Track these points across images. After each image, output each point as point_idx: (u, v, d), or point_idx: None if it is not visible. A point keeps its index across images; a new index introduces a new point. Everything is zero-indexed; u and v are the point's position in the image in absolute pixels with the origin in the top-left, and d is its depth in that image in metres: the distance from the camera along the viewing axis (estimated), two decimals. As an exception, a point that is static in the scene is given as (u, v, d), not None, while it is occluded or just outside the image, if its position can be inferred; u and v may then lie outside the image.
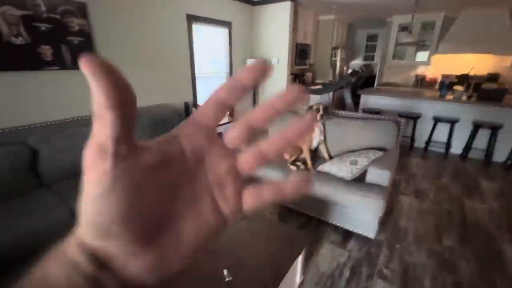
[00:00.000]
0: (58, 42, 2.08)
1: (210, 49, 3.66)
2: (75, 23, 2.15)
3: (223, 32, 3.75)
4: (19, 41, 1.88)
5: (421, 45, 5.61)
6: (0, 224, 1.43)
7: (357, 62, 8.24)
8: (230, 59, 3.96)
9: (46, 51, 2.03)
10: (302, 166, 2.34)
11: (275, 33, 4.21)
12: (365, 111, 4.29)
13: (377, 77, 6.64)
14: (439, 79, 5.57)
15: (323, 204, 2.09)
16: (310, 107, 2.41)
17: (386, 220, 2.25)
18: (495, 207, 2.50)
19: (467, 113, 3.74)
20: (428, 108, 4.03)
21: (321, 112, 2.31)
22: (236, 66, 4.10)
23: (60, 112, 2.19)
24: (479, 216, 2.35)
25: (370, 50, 8.03)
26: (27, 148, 1.82)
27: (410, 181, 3.01)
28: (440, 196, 2.69)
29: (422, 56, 5.66)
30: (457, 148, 3.87)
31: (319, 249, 1.91)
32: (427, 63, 5.65)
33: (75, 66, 2.19)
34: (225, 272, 1.15)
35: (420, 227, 2.18)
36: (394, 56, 5.96)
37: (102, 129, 0.14)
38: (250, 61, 4.10)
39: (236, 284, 1.10)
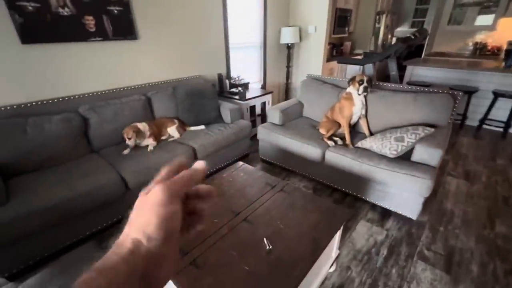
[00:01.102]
0: (99, 12, 2.11)
1: (245, 18, 3.49)
2: (114, -8, 2.15)
3: (258, -2, 3.52)
4: (65, 12, 1.94)
5: (486, 6, 4.79)
6: (61, 184, 1.59)
7: (404, 29, 7.38)
8: (265, 28, 3.75)
9: (90, 21, 2.07)
10: (340, 142, 2.23)
11: (313, -2, 3.85)
12: (411, 84, 3.88)
13: (426, 46, 5.92)
14: (505, 47, 4.79)
15: (361, 181, 2.01)
16: (353, 79, 2.23)
17: (429, 202, 2.11)
18: None
19: (538, 87, 3.21)
20: (488, 82, 3.53)
21: (364, 84, 2.13)
22: (270, 36, 3.89)
23: (104, 83, 2.29)
24: (542, 203, 2.10)
25: (420, 15, 7.09)
26: (79, 116, 1.96)
27: (459, 162, 2.75)
28: (495, 179, 2.43)
29: (485, 20, 4.86)
30: (519, 127, 3.40)
31: (355, 226, 1.87)
32: (491, 28, 4.85)
33: (115, 36, 2.24)
34: (265, 241, 1.17)
35: (469, 211, 2.01)
36: (450, 21, 5.19)
37: (179, 187, 0.27)
38: (284, 31, 3.86)
39: (276, 253, 1.12)
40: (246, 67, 3.78)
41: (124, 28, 2.27)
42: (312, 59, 4.19)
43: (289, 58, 4.18)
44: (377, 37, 5.52)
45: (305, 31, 4.10)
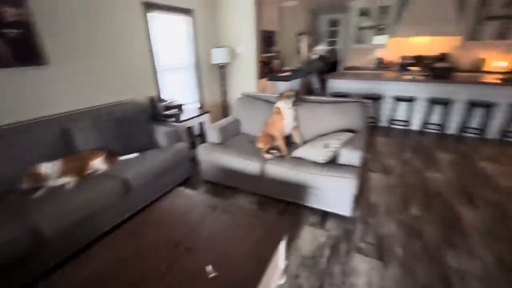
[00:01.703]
0: (-10, 35, 1.80)
1: (173, 39, 3.46)
2: (10, 13, 1.87)
3: (186, 20, 3.55)
4: None
5: (379, 29, 5.88)
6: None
7: (321, 48, 8.42)
8: (196, 50, 3.78)
9: (-24, 46, 1.74)
10: (277, 153, 2.35)
11: (240, 20, 4.10)
12: (333, 95, 4.43)
13: (341, 61, 6.87)
14: (397, 61, 5.91)
15: (300, 189, 2.14)
16: (282, 94, 2.40)
17: (359, 198, 2.38)
18: (451, 175, 2.76)
19: (423, 92, 4.04)
20: (389, 89, 4.27)
21: (292, 98, 2.32)
22: (202, 57, 3.94)
23: (4, 115, 1.93)
24: (438, 185, 2.59)
25: (333, 35, 8.24)
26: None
27: (377, 158, 3.20)
28: (404, 170, 2.90)
29: (380, 39, 5.94)
30: (416, 124, 4.18)
31: (300, 232, 1.96)
32: (384, 46, 5.95)
33: (17, 62, 1.93)
34: (209, 268, 1.12)
35: (389, 201, 2.34)
36: (355, 41, 6.17)
37: None
38: (215, 51, 3.97)
39: (221, 279, 1.08)
40: (182, 88, 3.72)
41: (26, 53, 1.98)
42: (245, 77, 4.39)
43: (223, 77, 4.28)
44: (300, 55, 6.14)
45: (235, 51, 4.28)
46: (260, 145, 2.45)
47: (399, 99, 3.99)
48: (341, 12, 7.27)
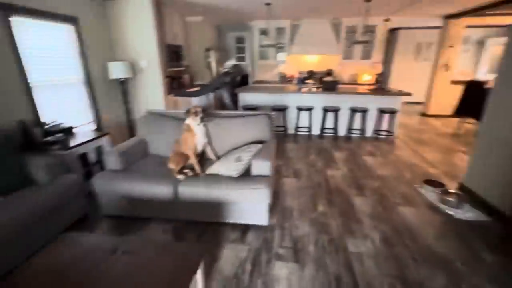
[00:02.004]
0: None
1: (55, 51, 2.87)
2: None
3: (67, 29, 3.02)
4: None
5: (279, 47, 6.59)
6: None
7: (231, 63, 8.78)
8: (85, 64, 3.26)
9: None
10: (190, 173, 2.23)
11: (140, 33, 3.80)
12: (245, 108, 4.63)
13: (250, 76, 7.32)
14: (296, 75, 6.74)
15: (218, 207, 2.08)
16: (188, 111, 2.31)
17: (275, 204, 2.50)
18: (345, 171, 3.27)
19: (318, 102, 4.70)
20: (292, 100, 4.79)
21: (200, 114, 2.26)
22: (96, 72, 3.43)
23: None
24: (337, 180, 3.01)
25: (240, 51, 8.74)
26: None
27: (289, 164, 3.49)
28: (311, 171, 3.26)
29: (281, 56, 6.68)
30: (315, 129, 4.81)
31: (221, 252, 1.88)
32: (285, 62, 6.70)
33: None
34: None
35: (301, 202, 2.55)
36: (260, 57, 6.71)
37: None
38: (112, 65, 3.53)
39: None
40: (72, 108, 3.12)
41: None
42: (152, 93, 4.08)
43: (125, 93, 3.84)
44: (211, 70, 6.20)
45: (137, 65, 3.94)
46: (172, 165, 2.28)
47: (300, 108, 4.51)
48: (245, 30, 7.81)
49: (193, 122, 2.30)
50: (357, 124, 4.66)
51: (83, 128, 3.22)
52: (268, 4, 4.54)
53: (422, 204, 2.52)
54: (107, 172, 2.22)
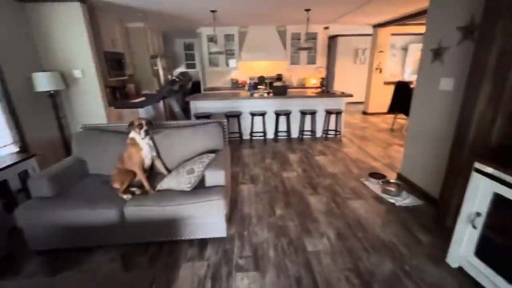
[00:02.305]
0: None
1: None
2: None
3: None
4: None
5: (229, 54, 6.61)
6: None
7: (181, 70, 8.51)
8: (0, 73, 2.78)
9: None
10: (138, 191, 2.05)
11: (71, 40, 3.41)
12: (198, 116, 4.49)
13: (201, 83, 7.17)
14: (248, 81, 6.83)
15: (171, 224, 1.94)
16: (131, 124, 2.13)
17: (234, 213, 2.45)
18: (300, 172, 3.39)
19: (270, 106, 4.81)
20: (245, 106, 4.82)
21: (144, 127, 2.10)
22: (16, 84, 2.96)
23: None
24: (293, 182, 3.10)
25: (190, 58, 8.52)
26: None
27: (245, 170, 3.47)
28: (267, 175, 3.29)
29: (232, 63, 6.69)
30: (270, 133, 4.92)
31: (178, 273, 1.76)
32: (236, 68, 6.74)
33: None
34: None
35: (259, 208, 2.55)
36: (210, 64, 6.63)
37: None
38: (38, 76, 3.09)
39: None
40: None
41: None
42: (91, 105, 3.69)
43: (56, 107, 3.40)
44: (159, 78, 5.90)
45: (70, 75, 3.53)
46: (116, 185, 2.07)
47: (254, 114, 4.56)
48: (194, 37, 7.64)
49: (138, 135, 2.13)
50: (308, 126, 4.90)
51: (4, 151, 2.74)
52: (213, 11, 4.51)
53: (369, 196, 2.74)
54: (34, 200, 1.91)
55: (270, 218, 2.39)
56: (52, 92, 3.30)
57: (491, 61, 1.68)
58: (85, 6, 3.41)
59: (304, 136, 4.94)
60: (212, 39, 6.13)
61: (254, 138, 4.91)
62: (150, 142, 2.22)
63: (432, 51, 2.49)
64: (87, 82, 3.59)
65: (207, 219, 1.97)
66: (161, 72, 5.95)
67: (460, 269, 1.72)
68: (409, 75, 8.03)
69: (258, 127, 4.84)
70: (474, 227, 1.58)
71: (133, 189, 2.07)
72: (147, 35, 5.55)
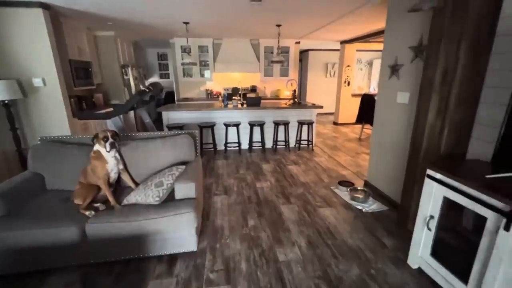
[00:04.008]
0: None
1: None
2: None
3: None
4: None
5: (203, 65, 6.62)
6: None
7: (155, 80, 8.34)
8: None
9: None
10: (102, 207, 1.94)
11: (32, 47, 3.22)
12: (170, 127, 4.40)
13: (175, 93, 7.07)
14: (222, 92, 6.86)
15: (138, 240, 1.86)
16: (96, 136, 2.04)
17: (205, 226, 2.41)
18: (273, 181, 3.44)
19: (244, 117, 4.87)
20: (219, 117, 4.82)
21: (110, 140, 2.02)
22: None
23: None
24: (266, 192, 3.13)
25: (163, 68, 8.40)
26: None
27: (219, 181, 3.44)
28: (241, 186, 3.29)
29: (207, 73, 6.71)
30: (244, 144, 4.95)
31: (144, 293, 1.67)
32: (210, 79, 6.76)
33: None
34: None
35: (232, 219, 2.53)
36: (184, 74, 6.59)
37: None
38: (-9, 84, 2.86)
39: None
40: None
41: None
42: (52, 116, 3.47)
43: (11, 118, 3.15)
44: (129, 88, 5.72)
45: (29, 84, 3.32)
46: (78, 201, 1.95)
47: (228, 124, 4.58)
48: (167, 47, 7.58)
49: (103, 148, 2.04)
50: (281, 136, 5.01)
51: None
52: (186, 23, 4.53)
53: (338, 203, 2.85)
54: (-20, 221, 1.72)
55: (243, 229, 2.37)
56: (7, 101, 3.06)
57: (437, 78, 1.87)
58: (47, 13, 3.26)
59: (278, 146, 5.04)
60: (185, 50, 6.13)
61: (228, 148, 4.90)
62: (117, 155, 2.13)
63: (390, 67, 2.72)
64: (49, 91, 3.38)
65: (177, 233, 1.91)
66: (132, 82, 5.78)
67: (419, 269, 1.84)
68: (374, 88, 8.61)
69: (232, 137, 4.85)
70: (429, 229, 1.71)
71: (97, 204, 1.96)
72: (117, 44, 5.41)
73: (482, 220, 1.35)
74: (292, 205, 2.80)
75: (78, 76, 4.21)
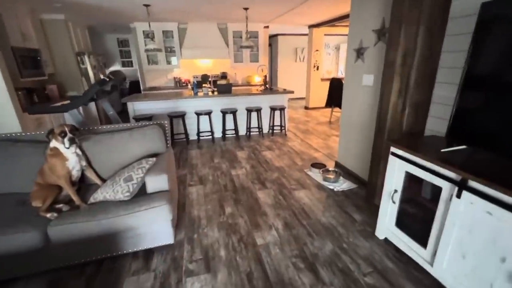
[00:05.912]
0: None
1: None
2: None
3: None
4: None
5: (169, 51, 6.27)
6: None
7: (117, 68, 7.76)
8: None
9: None
10: (66, 207, 1.80)
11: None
12: (137, 119, 4.16)
13: (141, 82, 6.66)
14: (191, 80, 6.61)
15: (109, 238, 1.77)
16: (51, 132, 1.85)
17: (182, 217, 2.37)
18: (248, 168, 3.45)
19: (215, 105, 4.76)
20: (189, 106, 4.66)
21: (68, 135, 1.85)
22: None
23: None
24: (241, 179, 3.14)
25: (125, 56, 7.82)
26: None
27: (193, 172, 3.37)
28: (216, 175, 3.26)
29: (174, 60, 6.38)
30: (218, 132, 4.87)
31: (121, 291, 1.62)
32: (178, 66, 6.45)
33: None
34: None
35: (209, 208, 2.51)
36: (149, 62, 6.20)
37: None
38: None
39: None
40: None
41: None
42: (-3, 113, 3.09)
43: None
44: (88, 78, 5.26)
45: (-37, 76, 2.89)
46: (36, 203, 1.78)
47: (199, 113, 4.45)
48: (127, 32, 7.03)
49: (61, 144, 1.87)
50: (254, 123, 5.01)
51: None
52: (147, 5, 4.22)
53: (311, 185, 2.96)
54: None
55: (220, 217, 2.37)
56: None
57: (398, 60, 1.96)
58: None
59: (252, 133, 5.04)
60: (148, 35, 5.74)
61: (201, 138, 4.80)
62: (78, 151, 1.97)
63: (355, 51, 2.80)
64: (-10, 84, 2.98)
65: (152, 228, 1.85)
66: (90, 71, 5.32)
67: (385, 239, 2.00)
68: (342, 72, 8.88)
69: (205, 126, 4.74)
70: (394, 202, 1.85)
71: (59, 205, 1.81)
72: (69, 28, 4.89)
73: (438, 190, 1.48)
74: (268, 190, 2.85)
75: (25, 65, 3.76)
